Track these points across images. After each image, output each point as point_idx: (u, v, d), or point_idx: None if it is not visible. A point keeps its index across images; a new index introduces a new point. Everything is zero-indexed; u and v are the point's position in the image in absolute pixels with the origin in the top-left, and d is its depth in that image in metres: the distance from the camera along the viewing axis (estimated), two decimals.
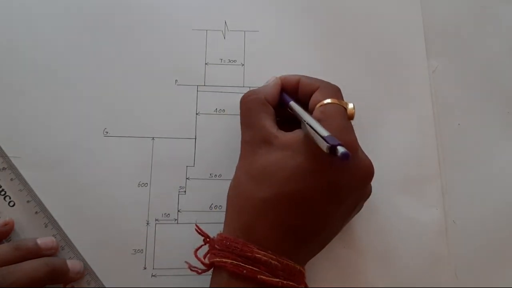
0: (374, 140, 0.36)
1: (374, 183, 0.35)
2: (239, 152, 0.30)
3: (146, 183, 0.34)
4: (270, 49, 0.37)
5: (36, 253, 0.30)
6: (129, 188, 0.33)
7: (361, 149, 0.29)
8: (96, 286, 0.31)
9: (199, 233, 0.28)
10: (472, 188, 0.36)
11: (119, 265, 0.32)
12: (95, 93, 0.35)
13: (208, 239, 0.28)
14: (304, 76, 0.32)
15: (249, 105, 0.30)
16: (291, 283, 0.26)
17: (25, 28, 0.36)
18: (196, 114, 0.36)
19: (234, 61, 0.37)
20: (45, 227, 0.32)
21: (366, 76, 0.37)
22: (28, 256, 0.29)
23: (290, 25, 0.38)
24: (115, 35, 0.37)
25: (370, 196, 0.34)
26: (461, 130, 0.37)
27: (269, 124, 0.29)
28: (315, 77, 0.32)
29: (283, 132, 0.28)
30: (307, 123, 0.27)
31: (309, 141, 0.27)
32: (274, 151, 0.27)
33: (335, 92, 0.30)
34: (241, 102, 0.31)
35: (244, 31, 0.38)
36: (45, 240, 0.31)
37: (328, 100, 0.29)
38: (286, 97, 0.31)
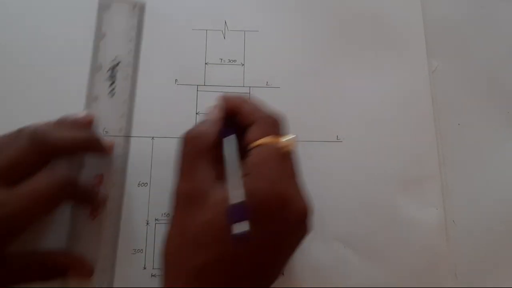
0: (374, 140, 0.36)
1: (374, 183, 0.35)
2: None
3: (146, 183, 0.34)
4: (270, 49, 0.37)
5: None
6: (129, 188, 0.33)
7: (297, 190, 0.27)
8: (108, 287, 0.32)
9: None
10: (472, 188, 0.36)
11: (119, 265, 0.32)
12: None
13: None
14: (246, 102, 0.30)
15: (191, 148, 0.28)
16: None
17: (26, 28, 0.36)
18: (196, 114, 0.36)
19: (234, 61, 0.37)
20: None
21: (365, 76, 0.37)
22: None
23: (290, 25, 0.38)
24: None
25: (370, 196, 0.35)
26: (461, 130, 0.37)
27: (209, 176, 0.27)
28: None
29: (220, 183, 0.26)
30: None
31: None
32: (210, 209, 0.25)
33: (272, 128, 0.28)
34: (183, 141, 0.28)
35: (244, 31, 0.38)
36: (80, 115, 0.32)
37: (261, 141, 0.27)
38: (222, 133, 0.29)
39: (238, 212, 0.24)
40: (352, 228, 0.34)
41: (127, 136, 0.34)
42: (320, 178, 0.35)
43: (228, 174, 0.27)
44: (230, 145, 0.28)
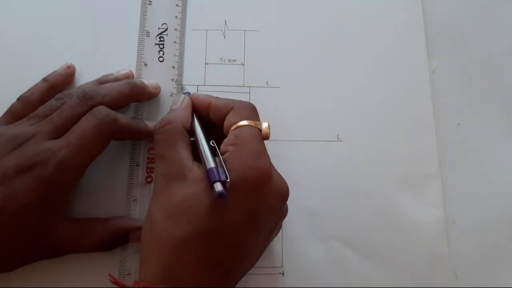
0: (374, 140, 0.36)
1: (374, 183, 0.35)
2: None
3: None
4: (270, 49, 0.37)
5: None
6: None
7: (275, 171, 0.28)
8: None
9: (113, 283, 0.27)
10: (472, 188, 0.36)
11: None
12: None
13: None
14: (216, 97, 0.31)
15: (166, 134, 0.29)
16: None
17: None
18: None
19: (234, 60, 0.37)
20: None
21: (366, 76, 0.37)
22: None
23: (290, 25, 0.38)
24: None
25: (370, 196, 0.35)
26: (461, 130, 0.37)
27: (185, 156, 0.27)
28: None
29: (197, 164, 0.27)
30: (199, 151, 0.27)
31: None
32: (189, 186, 0.26)
33: (250, 112, 0.29)
34: (156, 131, 0.29)
35: (244, 31, 0.38)
36: (121, 72, 0.34)
37: (243, 122, 0.28)
38: (194, 120, 0.30)
39: (218, 174, 0.25)
40: (352, 228, 0.34)
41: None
42: (320, 178, 0.35)
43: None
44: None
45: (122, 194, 0.33)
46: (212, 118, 0.30)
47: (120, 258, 0.32)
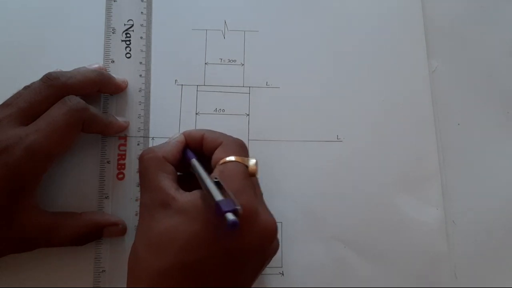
0: (374, 140, 0.36)
1: (374, 183, 0.35)
2: None
3: None
4: (270, 49, 0.37)
5: None
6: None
7: (263, 206, 0.28)
8: None
9: None
10: (472, 188, 0.36)
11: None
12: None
13: None
14: (209, 130, 0.30)
15: (146, 164, 0.29)
16: None
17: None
18: (196, 114, 0.36)
19: (234, 61, 0.37)
20: None
21: (366, 76, 0.37)
22: None
23: (290, 25, 0.38)
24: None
25: (370, 196, 0.35)
26: (461, 130, 0.37)
27: (167, 185, 0.27)
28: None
29: (182, 192, 0.27)
30: (203, 186, 0.26)
31: (206, 205, 0.26)
32: (172, 216, 0.26)
33: (238, 148, 0.29)
34: (139, 160, 0.29)
35: (244, 31, 0.38)
36: (93, 65, 0.34)
37: (229, 158, 0.27)
38: (190, 154, 0.30)
39: (226, 204, 0.24)
40: (352, 228, 0.34)
41: (128, 136, 0.34)
42: (320, 178, 0.35)
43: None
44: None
45: (94, 191, 0.33)
46: (205, 151, 0.30)
47: (95, 255, 0.32)
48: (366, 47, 0.38)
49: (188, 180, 0.29)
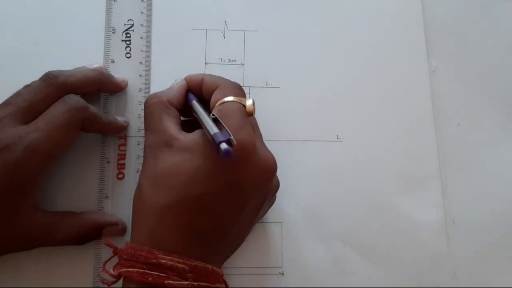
0: (374, 140, 0.36)
1: (374, 183, 0.35)
2: None
3: None
4: (270, 49, 0.37)
5: None
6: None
7: (262, 145, 0.29)
8: None
9: (106, 245, 0.28)
10: (472, 188, 0.36)
11: None
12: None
13: (116, 250, 0.27)
14: (208, 74, 0.32)
15: (151, 108, 0.30)
16: (202, 284, 0.26)
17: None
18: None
19: (234, 60, 0.37)
20: None
21: (366, 75, 0.37)
22: None
23: (290, 25, 0.38)
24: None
25: (370, 196, 0.35)
26: (461, 130, 0.37)
27: (170, 127, 0.28)
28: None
29: (184, 133, 0.28)
30: (202, 124, 0.27)
31: (207, 141, 0.26)
32: (174, 154, 0.27)
33: (235, 89, 0.30)
34: (144, 105, 0.30)
35: (244, 31, 0.38)
36: (93, 65, 0.33)
37: (227, 98, 0.28)
38: (190, 96, 0.31)
39: (220, 136, 0.25)
40: (352, 228, 0.34)
41: (129, 136, 0.34)
42: (320, 178, 0.35)
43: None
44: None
45: (94, 191, 0.33)
46: (204, 95, 0.31)
47: (94, 254, 0.32)
48: (366, 47, 0.38)
49: (191, 126, 0.30)
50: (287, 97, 0.36)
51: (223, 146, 0.24)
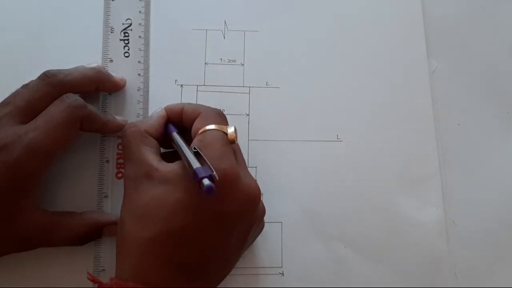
0: (374, 140, 0.36)
1: (374, 183, 0.35)
2: None
3: None
4: (270, 49, 0.37)
5: None
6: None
7: (246, 172, 0.29)
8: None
9: (91, 280, 0.27)
10: (472, 188, 0.36)
11: None
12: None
13: (101, 286, 0.27)
14: (188, 103, 0.32)
15: (129, 138, 0.29)
16: None
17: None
18: None
19: (234, 61, 0.37)
20: None
21: (366, 76, 0.37)
22: None
23: (290, 25, 0.38)
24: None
25: (370, 196, 0.35)
26: (461, 130, 0.37)
27: (149, 156, 0.28)
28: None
29: (164, 163, 0.28)
30: (183, 157, 0.27)
31: (187, 173, 0.26)
32: (155, 186, 0.27)
33: (216, 117, 0.29)
34: (122, 134, 0.30)
35: (244, 31, 0.38)
36: (91, 64, 0.33)
37: (209, 127, 0.28)
38: (171, 128, 0.31)
39: (202, 171, 0.25)
40: (352, 228, 0.34)
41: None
42: (320, 178, 0.35)
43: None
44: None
45: (93, 190, 0.33)
46: (185, 124, 0.30)
47: (94, 254, 0.32)
48: (366, 47, 0.38)
49: (172, 157, 0.29)
50: (287, 97, 0.36)
51: (206, 182, 0.24)
